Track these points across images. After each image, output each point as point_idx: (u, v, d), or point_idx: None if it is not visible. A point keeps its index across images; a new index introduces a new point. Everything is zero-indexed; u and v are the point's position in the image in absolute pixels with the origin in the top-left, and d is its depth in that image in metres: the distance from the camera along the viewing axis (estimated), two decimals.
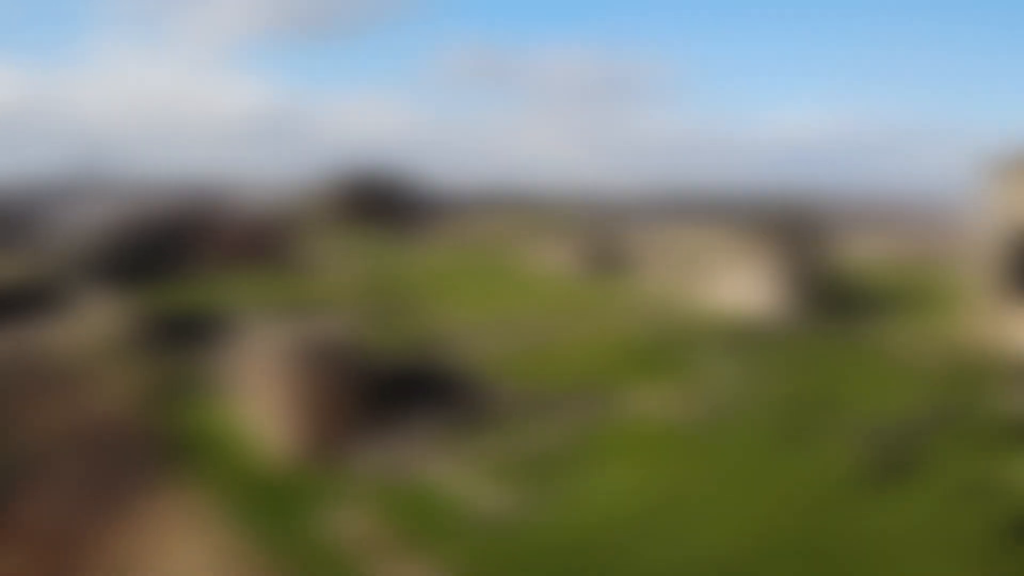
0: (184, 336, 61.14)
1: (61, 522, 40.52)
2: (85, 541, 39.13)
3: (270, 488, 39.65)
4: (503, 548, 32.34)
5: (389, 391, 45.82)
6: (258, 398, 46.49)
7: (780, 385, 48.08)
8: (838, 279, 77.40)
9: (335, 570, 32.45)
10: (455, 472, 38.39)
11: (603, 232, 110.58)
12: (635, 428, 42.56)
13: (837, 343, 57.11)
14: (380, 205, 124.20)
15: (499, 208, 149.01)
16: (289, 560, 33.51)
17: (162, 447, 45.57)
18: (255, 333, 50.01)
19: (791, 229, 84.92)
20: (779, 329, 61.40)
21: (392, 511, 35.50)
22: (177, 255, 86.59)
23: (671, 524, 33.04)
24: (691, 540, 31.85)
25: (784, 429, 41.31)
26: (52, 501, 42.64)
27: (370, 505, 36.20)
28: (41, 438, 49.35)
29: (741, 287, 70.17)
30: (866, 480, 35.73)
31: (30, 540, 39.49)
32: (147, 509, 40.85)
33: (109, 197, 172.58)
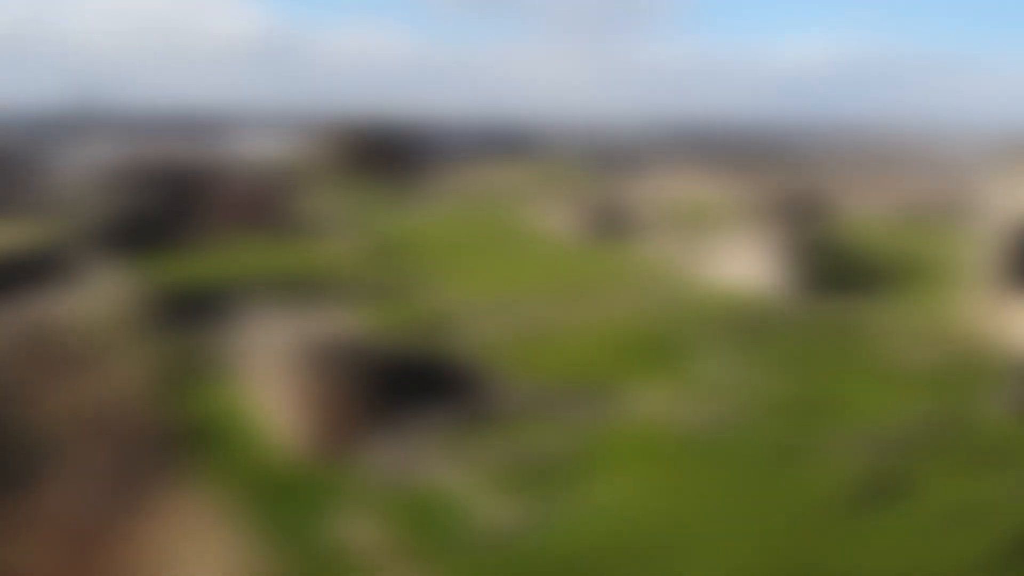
0: (190, 314, 61.34)
1: (77, 513, 41.04)
2: (101, 533, 39.76)
3: (280, 486, 40.24)
4: (507, 564, 33.15)
5: (396, 387, 46.26)
6: (267, 391, 47.04)
7: (780, 384, 48.58)
8: (840, 252, 77.33)
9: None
10: (461, 478, 39.03)
11: (606, 189, 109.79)
12: (638, 433, 43.14)
13: (837, 333, 57.46)
14: (380, 156, 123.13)
15: (501, 156, 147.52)
16: (298, 564, 34.31)
17: (173, 436, 46.04)
18: (262, 322, 50.32)
19: (794, 198, 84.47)
20: (781, 313, 61.68)
21: (399, 519, 36.19)
22: (179, 217, 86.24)
23: (668, 545, 33.84)
24: (686, 563, 32.67)
25: (782, 438, 41.88)
26: (67, 491, 43.19)
27: (377, 511, 36.88)
28: (52, 423, 49.71)
29: (744, 260, 70.20)
30: (860, 500, 36.41)
31: (46, 530, 40.15)
32: (160, 502, 41.51)
33: (107, 134, 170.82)
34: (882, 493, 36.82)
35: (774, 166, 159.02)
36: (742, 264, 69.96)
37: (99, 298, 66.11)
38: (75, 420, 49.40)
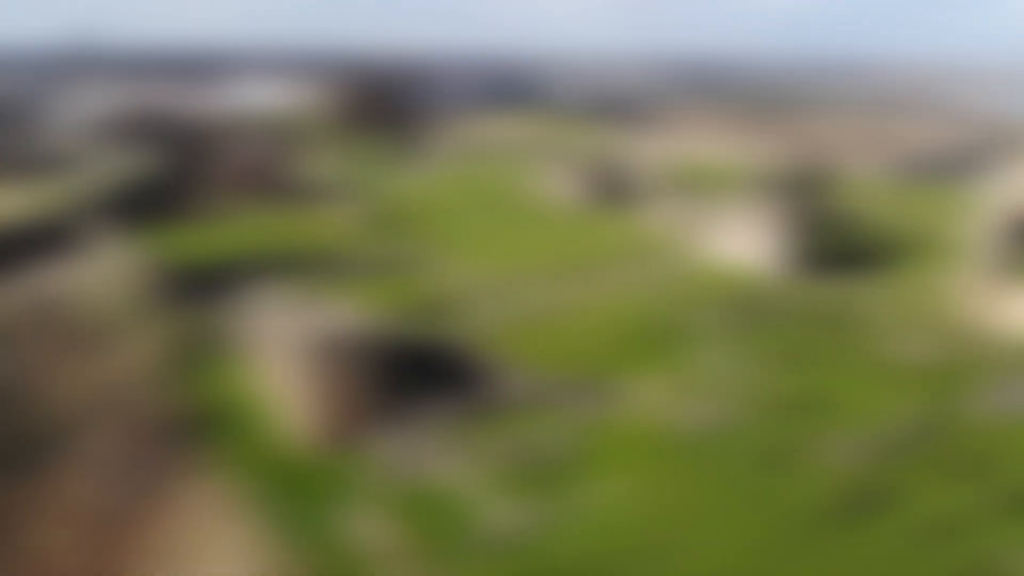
0: (197, 290, 61.63)
1: (88, 497, 41.60)
2: (113, 517, 40.42)
3: (290, 475, 40.92)
4: (509, 565, 34.30)
5: (402, 378, 46.95)
6: (276, 379, 47.71)
7: (776, 379, 49.21)
8: (842, 226, 77.11)
9: (355, 573, 34.21)
10: (464, 475, 39.97)
11: (610, 145, 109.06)
12: (635, 431, 44.00)
13: (835, 322, 57.75)
14: (381, 108, 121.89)
15: (503, 104, 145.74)
16: (310, 558, 35.36)
17: (184, 420, 46.50)
18: (269, 306, 50.85)
19: (798, 166, 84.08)
20: (780, 298, 61.89)
21: (405, 517, 37.15)
22: (184, 183, 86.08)
23: (659, 551, 34.90)
24: (674, 569, 33.81)
25: (774, 440, 42.66)
26: (78, 475, 43.74)
27: (384, 506, 37.83)
28: (62, 404, 49.96)
29: (746, 235, 70.13)
30: (844, 509, 37.20)
31: (58, 514, 40.82)
32: (172, 487, 42.15)
33: (107, 76, 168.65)
34: (866, 502, 37.59)
35: (779, 114, 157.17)
36: (744, 240, 69.99)
37: (105, 273, 66.29)
38: (85, 402, 49.74)
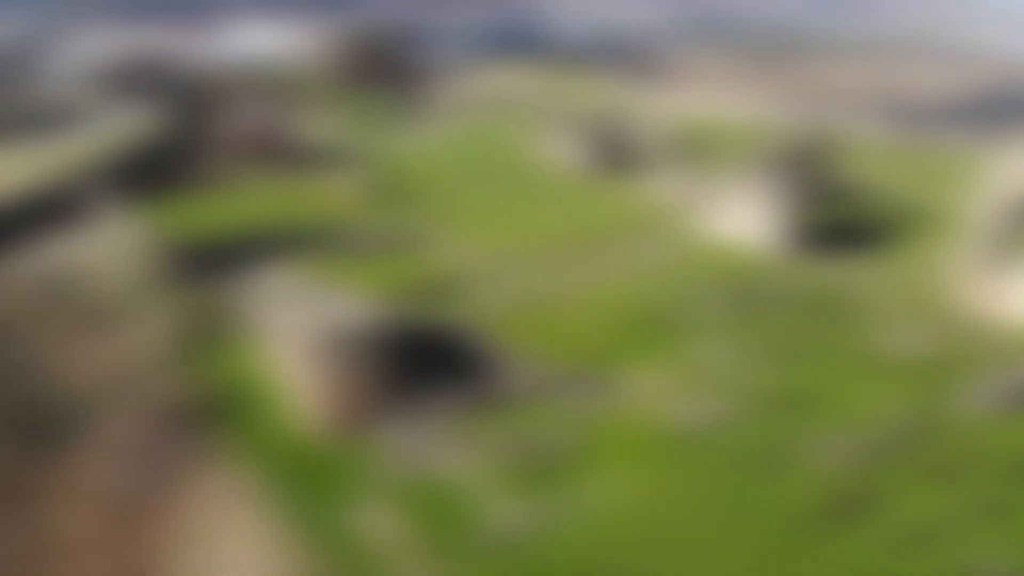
0: (202, 266, 61.76)
1: (102, 482, 42.27)
2: (125, 502, 41.19)
3: (299, 465, 41.79)
4: (511, 564, 35.33)
5: (407, 368, 47.50)
6: (284, 366, 48.27)
7: (771, 373, 49.72)
8: (842, 203, 76.51)
9: (363, 570, 35.16)
10: (468, 470, 40.82)
11: (616, 100, 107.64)
12: (633, 427, 44.78)
13: (831, 311, 57.80)
14: (381, 62, 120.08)
15: (506, 54, 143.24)
16: (314, 545, 36.30)
17: (195, 404, 46.98)
18: (276, 291, 51.18)
19: (801, 138, 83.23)
20: (778, 283, 61.79)
21: (411, 512, 38.05)
22: (186, 149, 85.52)
23: (653, 552, 35.87)
24: (667, 570, 34.80)
25: (767, 438, 43.34)
26: (91, 459, 44.33)
27: (390, 500, 38.71)
28: (72, 386, 50.26)
29: (747, 211, 69.71)
30: (829, 514, 37.84)
31: (71, 499, 41.54)
32: (182, 472, 42.83)
33: (105, 22, 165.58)
34: (853, 505, 38.20)
35: (784, 61, 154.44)
36: (745, 214, 69.66)
37: (109, 248, 66.17)
38: (93, 384, 50.02)
